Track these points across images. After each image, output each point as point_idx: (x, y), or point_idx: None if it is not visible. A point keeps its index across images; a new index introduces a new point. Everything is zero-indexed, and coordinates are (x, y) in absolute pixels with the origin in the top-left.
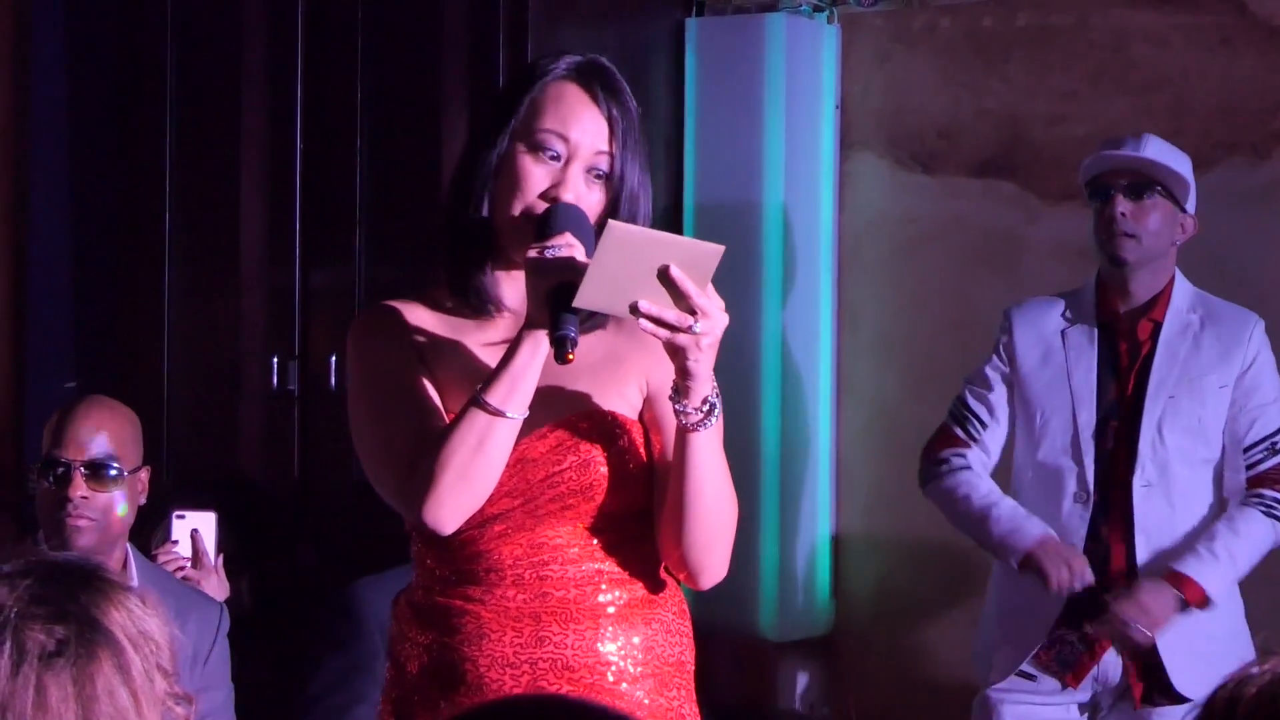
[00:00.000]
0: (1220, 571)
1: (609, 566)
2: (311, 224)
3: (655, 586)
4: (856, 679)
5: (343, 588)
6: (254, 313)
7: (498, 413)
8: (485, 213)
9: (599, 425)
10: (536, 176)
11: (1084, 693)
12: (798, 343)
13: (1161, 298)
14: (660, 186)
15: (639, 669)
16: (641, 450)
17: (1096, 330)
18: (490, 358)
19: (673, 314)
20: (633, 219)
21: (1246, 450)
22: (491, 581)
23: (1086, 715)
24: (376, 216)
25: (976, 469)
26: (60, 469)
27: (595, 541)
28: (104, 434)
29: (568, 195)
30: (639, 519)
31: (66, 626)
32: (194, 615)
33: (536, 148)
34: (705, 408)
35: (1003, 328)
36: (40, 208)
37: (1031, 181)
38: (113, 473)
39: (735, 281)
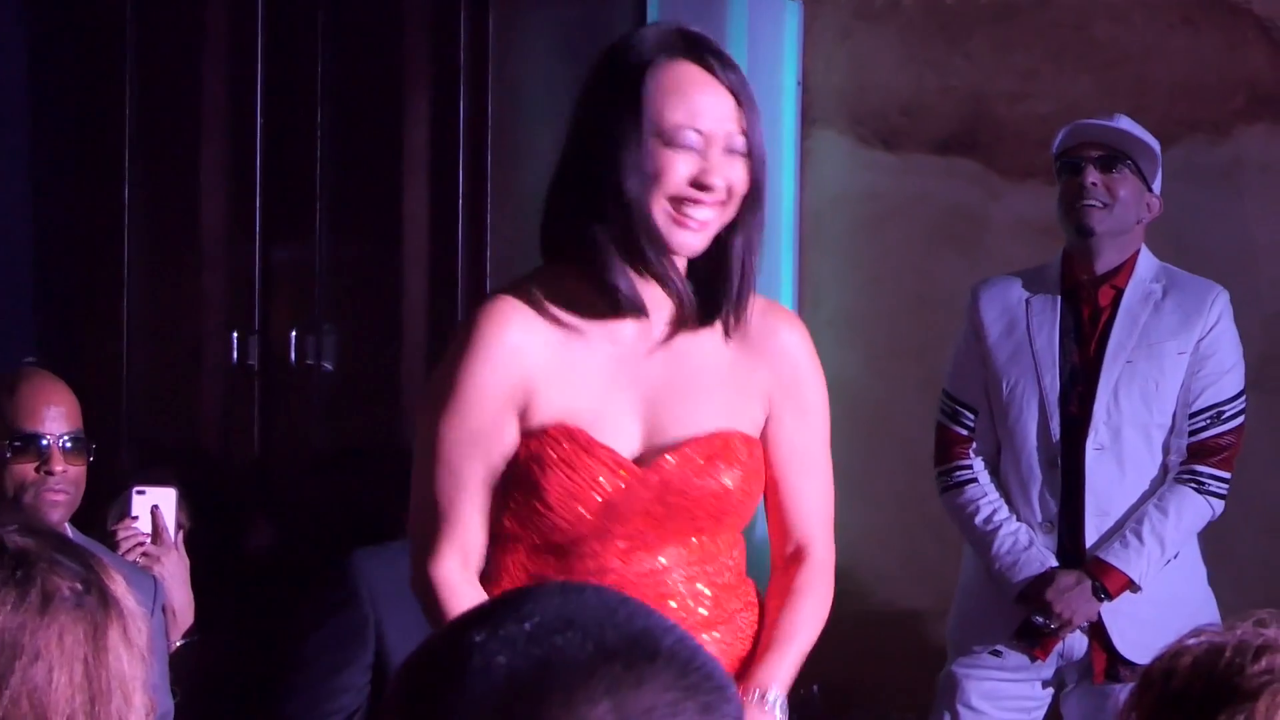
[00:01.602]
0: (1146, 557)
1: (720, 586)
2: (272, 200)
3: (749, 595)
4: (821, 655)
5: (340, 557)
6: (214, 288)
7: None
8: (631, 209)
9: (729, 445)
10: (681, 165)
11: (1048, 668)
12: None
13: (1125, 267)
14: None
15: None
16: (763, 470)
17: (1060, 298)
18: (619, 364)
19: None
20: (764, 183)
21: (1193, 416)
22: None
23: (1050, 690)
24: (337, 192)
25: (980, 478)
26: (38, 444)
27: (713, 564)
28: (66, 407)
29: (716, 181)
30: (743, 536)
31: (85, 584)
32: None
33: (672, 141)
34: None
35: (970, 305)
36: None
37: (994, 159)
38: (81, 445)
39: None
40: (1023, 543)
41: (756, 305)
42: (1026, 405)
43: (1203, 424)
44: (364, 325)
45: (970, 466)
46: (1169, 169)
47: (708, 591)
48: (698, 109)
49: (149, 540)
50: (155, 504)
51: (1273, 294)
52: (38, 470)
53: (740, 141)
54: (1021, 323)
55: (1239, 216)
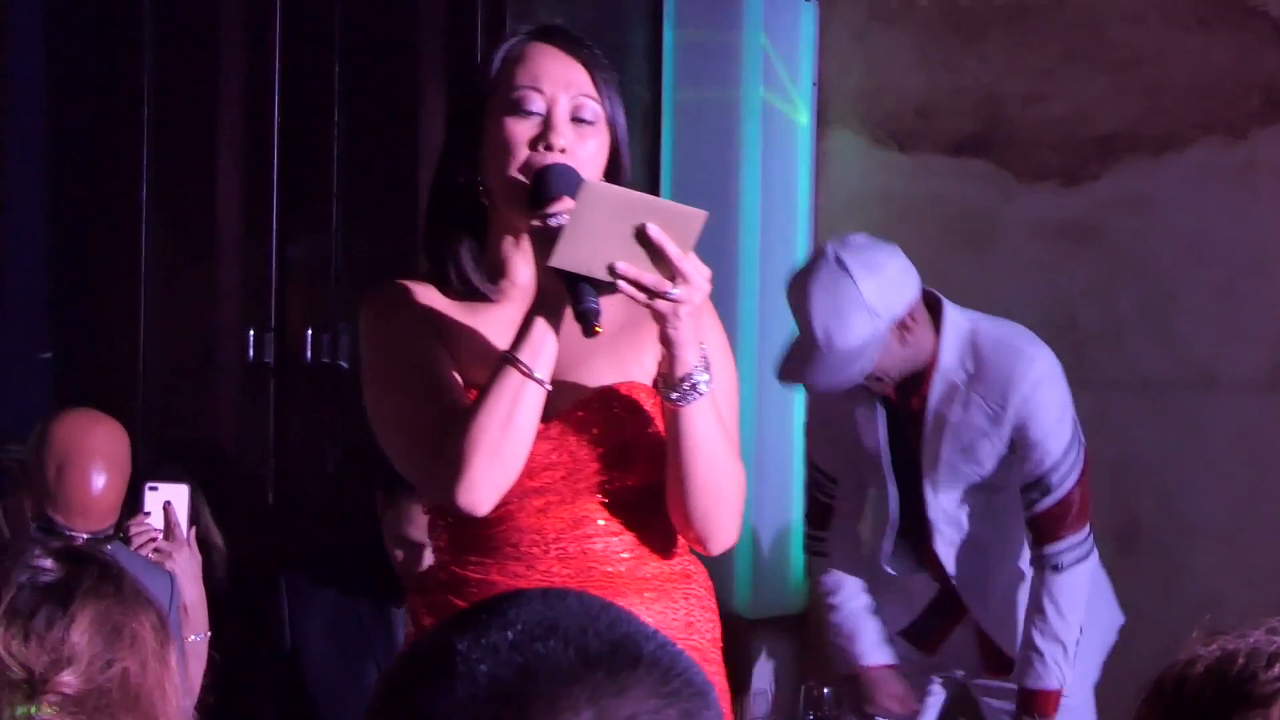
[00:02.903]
0: (1057, 662)
1: (647, 539)
2: (288, 196)
3: (688, 561)
4: (829, 656)
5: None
6: (230, 285)
7: (528, 373)
8: (473, 187)
9: (631, 396)
10: (522, 132)
11: (943, 666)
12: (772, 320)
13: (929, 370)
14: (636, 163)
15: (679, 644)
16: (661, 416)
17: (880, 405)
18: (511, 336)
19: (651, 277)
20: (622, 174)
21: (1024, 491)
22: (535, 556)
23: (943, 684)
24: (353, 189)
25: (834, 553)
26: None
27: (633, 514)
28: (110, 498)
29: (559, 140)
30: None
31: (149, 598)
32: (149, 585)
33: (514, 107)
34: (685, 384)
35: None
36: (15, 178)
37: (1008, 160)
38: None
39: (711, 259)
40: (852, 628)
41: None
42: (878, 498)
43: (1034, 497)
44: None
45: (822, 540)
46: (1183, 172)
47: (632, 543)
48: (539, 72)
49: (161, 536)
50: (168, 500)
51: None
52: None
53: (592, 109)
54: (851, 417)
55: (1254, 218)
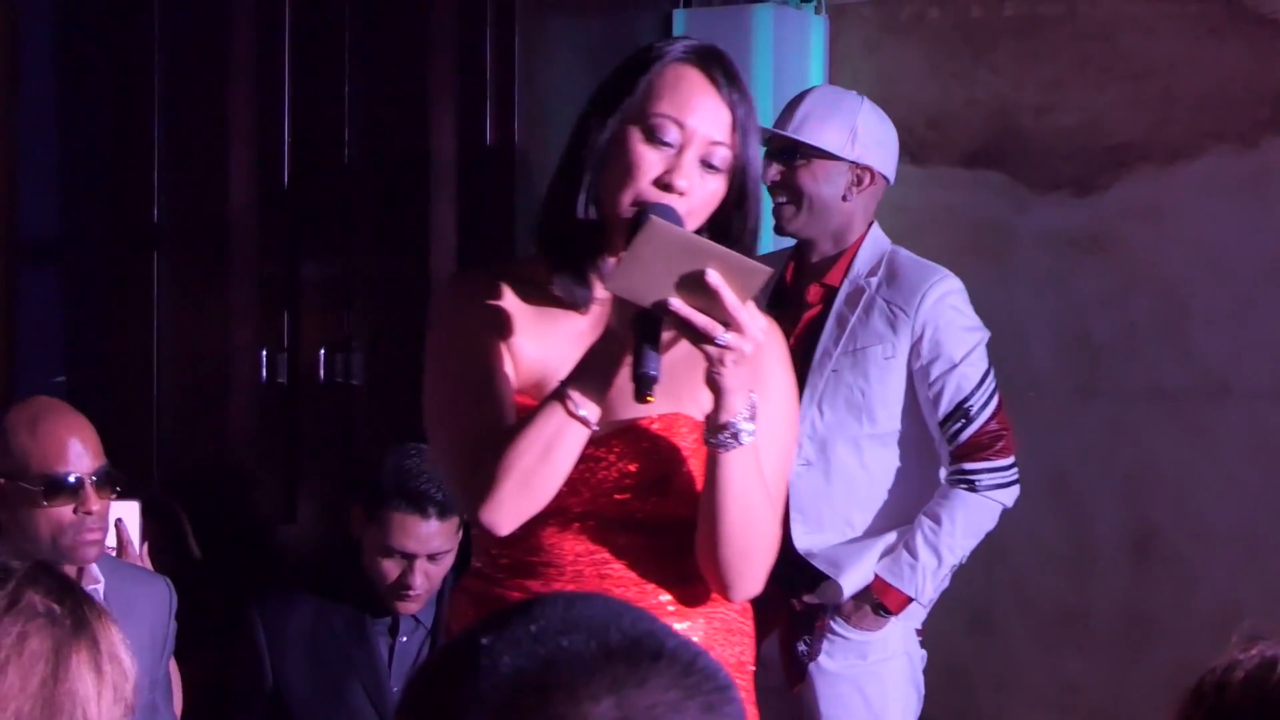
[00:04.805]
0: (922, 572)
1: (671, 568)
2: (301, 216)
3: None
4: None
5: (241, 608)
6: (243, 305)
7: (573, 413)
8: (590, 201)
9: (672, 428)
10: (649, 162)
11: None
12: None
13: (841, 260)
14: None
15: None
16: (704, 453)
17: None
18: (577, 349)
19: (702, 319)
20: (748, 218)
21: (943, 424)
22: (550, 576)
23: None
24: (366, 208)
25: None
26: (72, 484)
27: (660, 543)
28: (92, 441)
29: (681, 183)
30: None
31: (62, 606)
32: (148, 595)
33: (650, 133)
34: (726, 432)
35: None
36: (29, 200)
37: (1020, 171)
38: (109, 479)
39: None
40: None
41: None
42: None
43: (956, 427)
44: (393, 342)
45: None
46: (1195, 181)
47: (652, 571)
48: (685, 104)
49: (114, 553)
50: (119, 517)
51: None
52: (75, 511)
53: (722, 156)
54: None
55: (1267, 227)
